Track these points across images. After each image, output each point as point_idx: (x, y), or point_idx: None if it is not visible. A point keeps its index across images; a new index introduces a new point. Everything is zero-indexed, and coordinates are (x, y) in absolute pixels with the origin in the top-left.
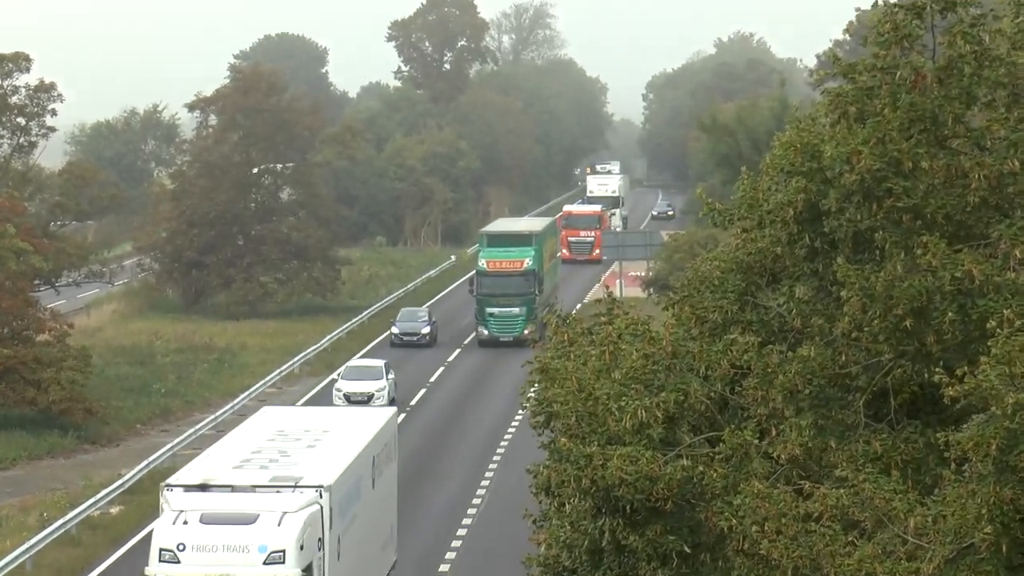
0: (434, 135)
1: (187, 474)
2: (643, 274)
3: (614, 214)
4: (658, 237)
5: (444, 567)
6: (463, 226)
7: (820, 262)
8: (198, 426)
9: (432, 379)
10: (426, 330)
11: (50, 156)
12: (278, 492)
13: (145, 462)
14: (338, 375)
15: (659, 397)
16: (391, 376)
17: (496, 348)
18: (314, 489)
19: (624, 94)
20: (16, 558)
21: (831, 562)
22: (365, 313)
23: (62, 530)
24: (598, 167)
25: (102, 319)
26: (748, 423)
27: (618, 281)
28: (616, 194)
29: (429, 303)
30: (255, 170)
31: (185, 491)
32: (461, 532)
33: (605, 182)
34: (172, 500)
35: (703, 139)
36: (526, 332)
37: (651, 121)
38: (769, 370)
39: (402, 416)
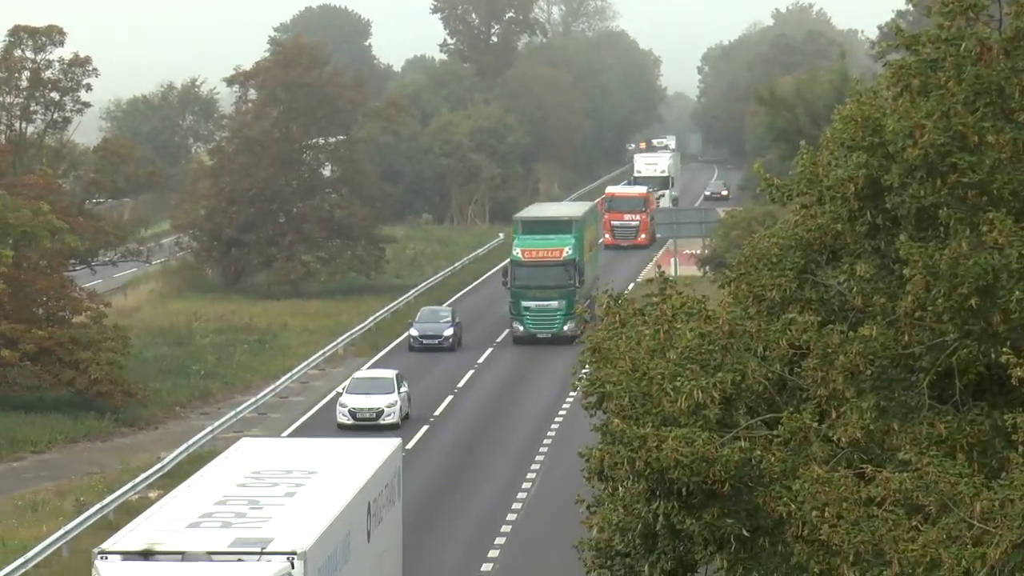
0: (481, 110)
1: (128, 537)
2: (698, 252)
3: (663, 196)
4: (714, 214)
5: (493, 552)
6: (511, 203)
7: (882, 239)
8: (239, 408)
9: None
10: (448, 332)
11: (85, 132)
12: (240, 560)
13: (184, 445)
14: (343, 388)
15: (715, 377)
16: (404, 389)
17: (533, 346)
18: (285, 557)
19: (678, 67)
20: (52, 544)
21: (894, 548)
22: (411, 292)
23: (99, 515)
24: (654, 142)
25: (139, 299)
26: (807, 405)
27: (672, 259)
28: (665, 174)
29: (473, 284)
30: (296, 146)
31: (123, 559)
32: (511, 517)
33: (653, 161)
34: (106, 572)
35: (760, 113)
36: (565, 328)
37: (706, 95)
38: (829, 350)
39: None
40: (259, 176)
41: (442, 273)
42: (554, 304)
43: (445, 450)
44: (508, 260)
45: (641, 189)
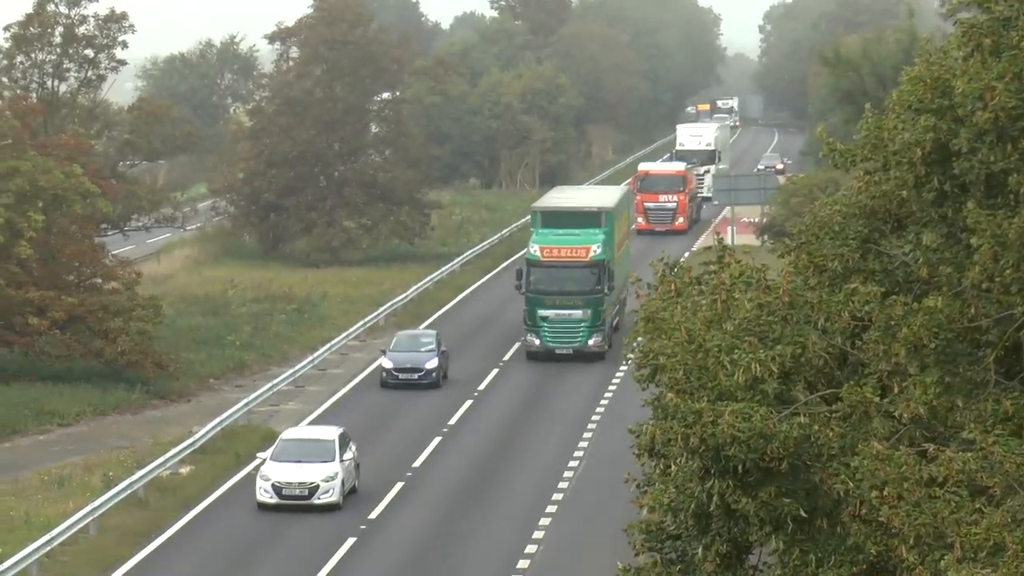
0: (533, 70)
1: None
2: (757, 220)
3: (708, 171)
4: (773, 180)
5: (538, 534)
6: (562, 168)
7: (949, 207)
8: (275, 381)
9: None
10: (432, 363)
11: (119, 91)
12: None
13: (218, 419)
14: (264, 455)
15: (774, 350)
16: (350, 454)
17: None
18: None
19: (739, 26)
20: (79, 520)
21: (956, 531)
22: (456, 260)
23: (128, 491)
24: (719, 103)
25: (173, 266)
26: (868, 379)
27: (730, 227)
28: (711, 147)
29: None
30: (339, 106)
31: None
32: (557, 496)
33: (698, 132)
34: None
35: (824, 74)
36: (591, 343)
37: (768, 55)
38: (892, 323)
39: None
40: (300, 138)
41: (489, 240)
42: (578, 313)
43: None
44: (524, 259)
45: (679, 166)
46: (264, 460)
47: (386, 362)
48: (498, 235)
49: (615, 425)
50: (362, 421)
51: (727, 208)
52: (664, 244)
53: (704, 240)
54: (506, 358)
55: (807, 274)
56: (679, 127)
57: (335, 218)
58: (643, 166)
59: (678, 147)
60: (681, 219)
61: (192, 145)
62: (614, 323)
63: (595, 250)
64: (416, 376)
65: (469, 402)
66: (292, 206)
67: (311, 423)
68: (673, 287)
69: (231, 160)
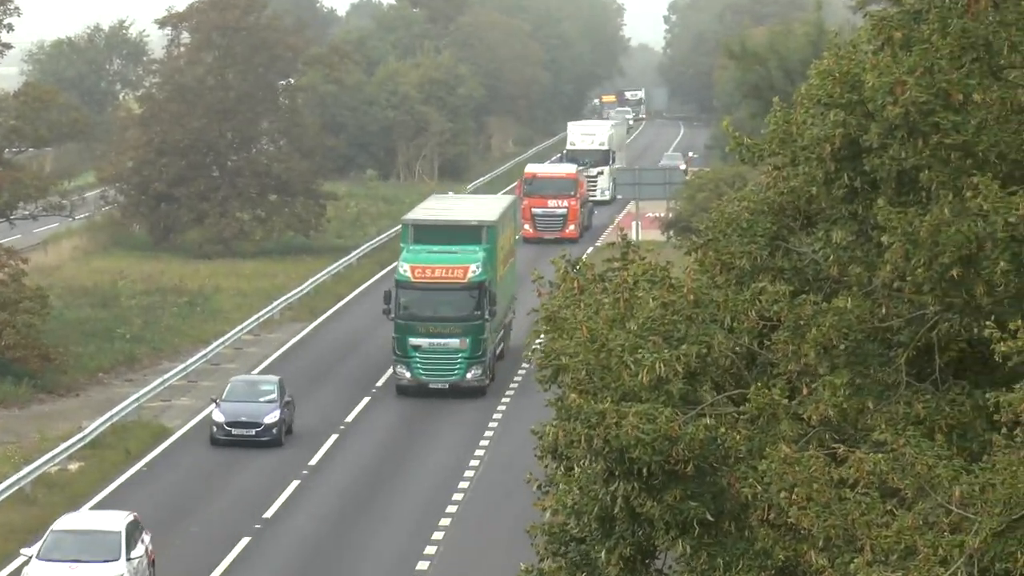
0: (431, 59)
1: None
2: (662, 215)
3: (601, 173)
4: (679, 174)
5: (437, 535)
6: (462, 160)
7: (860, 204)
8: (166, 376)
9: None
10: (272, 417)
11: (4, 76)
12: None
13: (108, 414)
14: (30, 552)
15: (679, 350)
16: (141, 549)
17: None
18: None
19: (643, 16)
20: None
21: (867, 533)
22: (353, 254)
23: (15, 487)
24: (627, 94)
25: (61, 256)
26: (777, 380)
27: (634, 223)
28: (604, 147)
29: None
30: (232, 95)
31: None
32: (457, 496)
33: (591, 131)
34: None
35: (730, 67)
36: (468, 376)
37: (673, 47)
38: (802, 322)
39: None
40: (192, 126)
41: (387, 234)
42: (454, 343)
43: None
44: (394, 281)
45: (570, 168)
46: (29, 559)
47: (217, 414)
48: (395, 228)
49: (516, 424)
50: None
51: (631, 203)
52: (552, 253)
53: (607, 236)
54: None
55: (713, 272)
56: (570, 125)
57: (228, 209)
58: (530, 168)
59: (569, 147)
60: (572, 226)
61: (80, 132)
62: (497, 352)
63: (474, 270)
64: (253, 432)
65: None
66: (183, 196)
67: (95, 506)
68: (575, 285)
69: (120, 148)
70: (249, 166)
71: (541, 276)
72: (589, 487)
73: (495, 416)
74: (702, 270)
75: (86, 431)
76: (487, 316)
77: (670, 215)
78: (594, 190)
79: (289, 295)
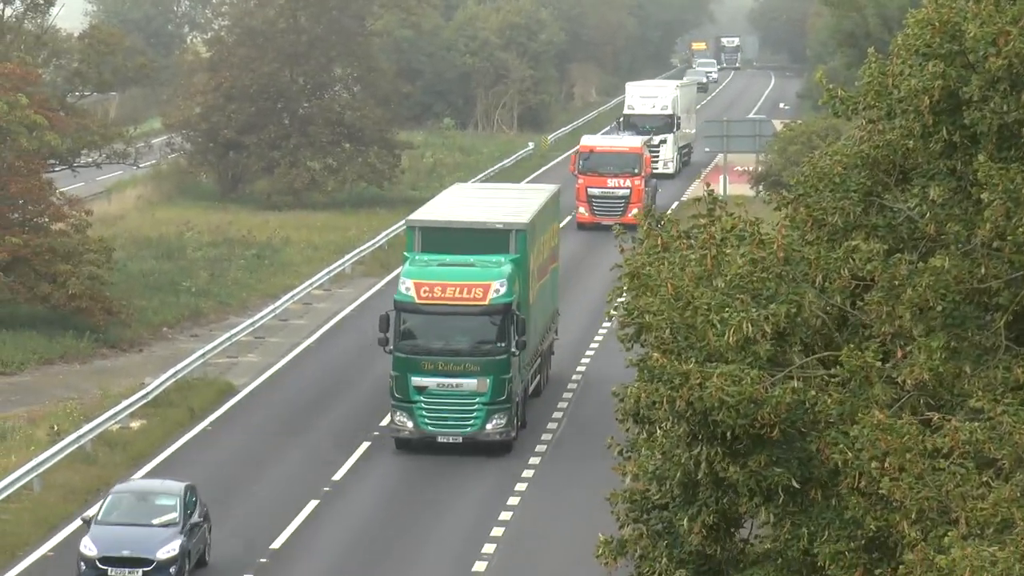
0: (512, 3)
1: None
2: (751, 169)
3: (664, 142)
4: (769, 127)
5: (512, 499)
6: (543, 109)
7: (959, 159)
8: (233, 331)
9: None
10: (170, 549)
11: (69, 17)
12: None
13: (171, 371)
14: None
15: (768, 309)
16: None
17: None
18: None
19: None
20: (22, 476)
21: (962, 505)
22: None
23: (75, 446)
24: (723, 41)
25: (125, 206)
26: (870, 343)
27: (721, 177)
28: (668, 111)
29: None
30: (304, 38)
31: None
32: (533, 460)
33: (653, 92)
34: None
35: (825, 15)
36: (489, 428)
37: None
38: (896, 282)
39: None
40: (262, 71)
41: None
42: (471, 383)
43: None
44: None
45: (634, 141)
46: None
47: (88, 545)
48: (473, 180)
49: (598, 386)
50: None
51: (719, 156)
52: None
53: (694, 190)
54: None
55: (805, 228)
56: (629, 86)
57: (299, 158)
58: (587, 140)
59: (627, 111)
60: (636, 210)
61: (146, 77)
62: (531, 389)
63: (498, 289)
64: (139, 572)
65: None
66: (252, 144)
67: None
68: (659, 241)
69: (187, 93)
70: (321, 113)
71: (624, 231)
72: (671, 451)
73: (574, 378)
74: (792, 226)
75: (149, 388)
76: (514, 349)
77: (760, 169)
78: (656, 162)
79: (361, 248)
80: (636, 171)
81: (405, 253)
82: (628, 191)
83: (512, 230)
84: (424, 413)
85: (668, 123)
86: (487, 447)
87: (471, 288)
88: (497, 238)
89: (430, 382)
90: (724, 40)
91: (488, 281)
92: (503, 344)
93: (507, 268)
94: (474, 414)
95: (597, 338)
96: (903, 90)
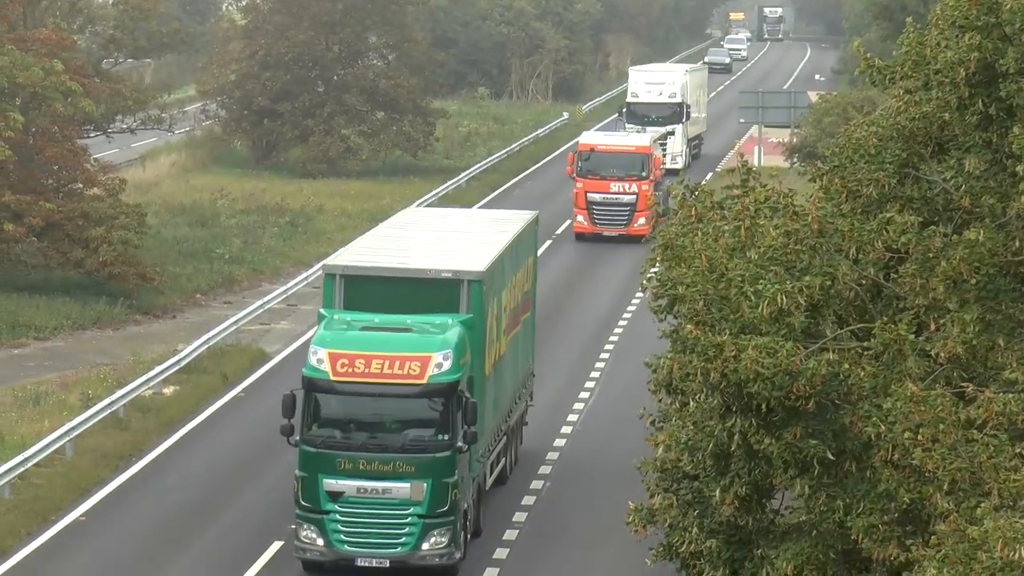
0: None
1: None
2: (786, 140)
3: (672, 134)
4: (804, 98)
5: (544, 469)
6: (577, 79)
7: (995, 131)
8: (267, 298)
9: None
10: None
11: None
12: None
13: (204, 337)
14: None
15: (802, 281)
16: None
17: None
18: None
19: None
20: (55, 441)
21: (995, 476)
22: (462, 175)
23: (108, 411)
24: (766, 10)
25: (159, 172)
26: (903, 315)
27: (756, 148)
28: (676, 98)
29: (532, 168)
30: (339, 6)
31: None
32: (565, 430)
33: (659, 79)
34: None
35: None
36: (425, 548)
37: None
38: (930, 255)
39: None
40: (297, 39)
41: (497, 155)
42: (403, 488)
43: None
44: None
45: (641, 139)
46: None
47: None
48: (507, 149)
49: (630, 356)
50: None
51: (753, 127)
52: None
53: (728, 161)
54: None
55: (839, 200)
56: (632, 71)
57: (333, 126)
58: (586, 137)
59: (630, 98)
60: (643, 219)
61: (180, 43)
62: (492, 476)
63: (440, 363)
64: None
65: None
66: (287, 112)
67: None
68: (693, 212)
69: (222, 61)
70: (356, 82)
71: (657, 203)
72: (704, 423)
73: (606, 348)
74: (827, 198)
75: (182, 354)
76: (461, 444)
77: (794, 140)
78: (664, 154)
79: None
80: (644, 174)
81: (321, 311)
82: (634, 197)
83: (463, 281)
84: (337, 529)
85: (676, 112)
86: (423, 572)
87: (403, 362)
88: (443, 291)
89: (351, 485)
90: (767, 10)
91: (427, 353)
92: (446, 437)
93: (454, 333)
94: (408, 532)
95: (630, 307)
96: (940, 62)
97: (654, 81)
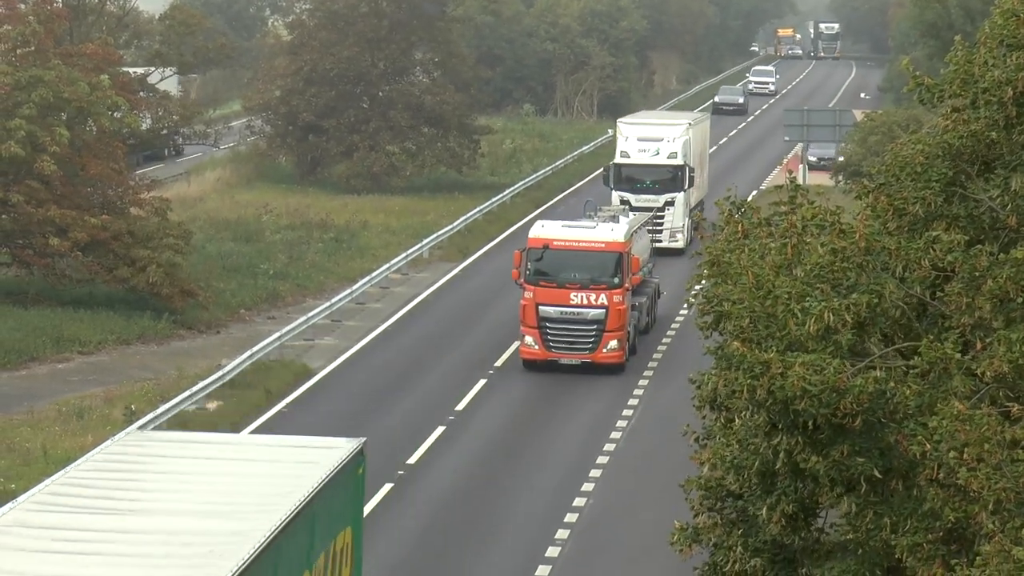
0: None
1: None
2: (831, 159)
3: (671, 204)
4: (850, 116)
5: (587, 486)
6: (623, 96)
7: None
8: (310, 314)
9: None
10: None
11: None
12: None
13: (248, 352)
14: None
15: (849, 299)
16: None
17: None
18: None
19: None
20: None
21: None
22: (507, 192)
23: (151, 426)
24: (822, 27)
25: (204, 188)
26: (949, 334)
27: (801, 165)
28: (676, 160)
29: (577, 185)
30: (385, 22)
31: None
32: (608, 448)
33: (655, 135)
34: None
35: (907, 5)
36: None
37: None
38: (977, 273)
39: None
40: (342, 55)
41: (542, 171)
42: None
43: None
44: None
45: (613, 233)
46: None
47: None
48: (552, 166)
49: (674, 373)
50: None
51: (799, 144)
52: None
53: (774, 178)
54: None
55: (886, 218)
56: (621, 124)
57: (378, 142)
58: (538, 230)
59: (619, 158)
60: (614, 342)
61: (226, 59)
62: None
63: None
64: None
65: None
66: (332, 128)
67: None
68: (740, 228)
69: (268, 76)
70: (401, 98)
71: (704, 218)
72: (749, 440)
73: (650, 364)
74: (874, 216)
75: (226, 369)
76: None
77: (840, 158)
78: (659, 230)
79: (439, 233)
80: (616, 280)
81: None
82: (602, 312)
83: None
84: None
85: (677, 177)
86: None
87: None
88: None
89: None
90: (822, 26)
91: None
92: None
93: None
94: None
95: (674, 324)
96: (987, 80)
97: (649, 137)
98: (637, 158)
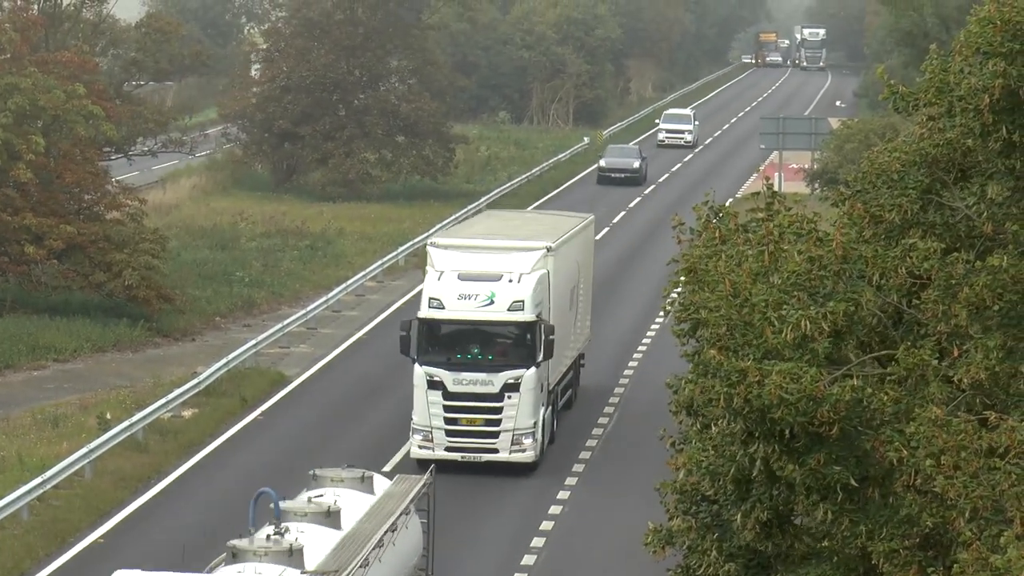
0: None
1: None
2: (807, 166)
3: (515, 390)
4: (825, 124)
5: (563, 494)
6: (598, 104)
7: (1018, 158)
8: (286, 321)
9: None
10: None
11: (126, 6)
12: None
13: (224, 360)
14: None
15: (826, 307)
16: None
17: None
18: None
19: None
20: (74, 463)
21: (1016, 504)
22: (482, 199)
23: (127, 433)
24: (805, 31)
25: (180, 195)
26: (926, 341)
27: (777, 173)
28: (523, 314)
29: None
30: (361, 30)
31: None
32: (583, 456)
33: (488, 270)
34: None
35: (883, 13)
36: None
37: None
38: (953, 281)
39: None
40: (318, 62)
41: (518, 179)
42: None
43: None
44: None
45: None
46: None
47: None
48: (527, 174)
49: (651, 378)
50: None
51: (774, 152)
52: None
53: (750, 185)
54: None
55: (862, 225)
56: (433, 248)
57: (353, 149)
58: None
59: (426, 309)
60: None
61: (202, 66)
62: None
63: None
64: None
65: None
66: (308, 135)
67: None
68: (717, 234)
69: (243, 84)
70: (377, 105)
71: (682, 222)
72: (726, 447)
73: (630, 364)
74: (850, 223)
75: (201, 377)
76: None
77: (815, 166)
78: (494, 434)
79: (415, 240)
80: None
81: None
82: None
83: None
84: None
85: (523, 341)
86: None
87: None
88: None
89: None
90: (806, 31)
91: None
92: None
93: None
94: None
95: (652, 329)
96: (963, 88)
97: (478, 274)
98: (456, 309)
